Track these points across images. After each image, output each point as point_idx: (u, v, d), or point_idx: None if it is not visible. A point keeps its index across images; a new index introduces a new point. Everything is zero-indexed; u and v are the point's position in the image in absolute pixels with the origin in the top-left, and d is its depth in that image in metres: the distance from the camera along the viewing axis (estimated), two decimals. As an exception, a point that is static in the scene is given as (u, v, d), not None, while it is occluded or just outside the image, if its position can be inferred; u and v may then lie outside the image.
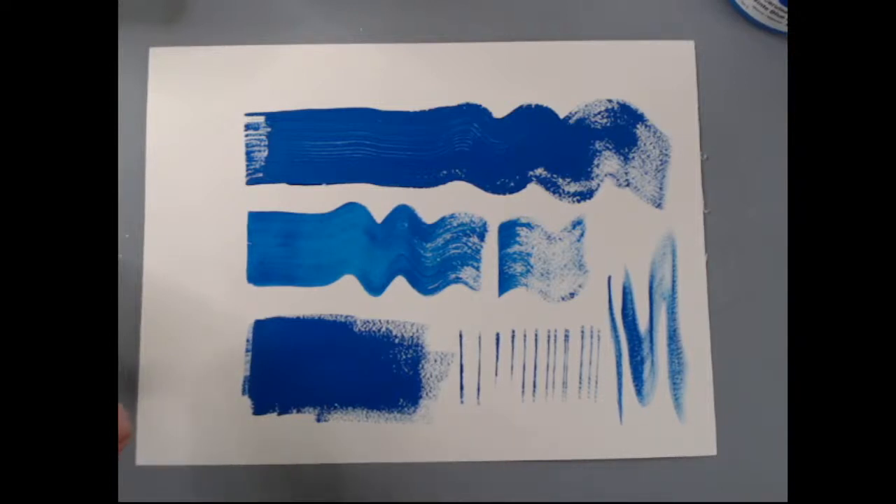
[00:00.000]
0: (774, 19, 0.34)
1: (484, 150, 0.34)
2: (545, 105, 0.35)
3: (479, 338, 0.33)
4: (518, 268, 0.34)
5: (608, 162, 0.34)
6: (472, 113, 0.35)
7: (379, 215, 0.34)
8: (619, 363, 0.33)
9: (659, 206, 0.34)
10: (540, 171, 0.34)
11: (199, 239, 0.34)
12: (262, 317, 0.33)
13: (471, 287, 0.34)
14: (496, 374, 0.33)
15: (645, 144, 0.34)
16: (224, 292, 0.33)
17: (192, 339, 0.33)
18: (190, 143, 0.34)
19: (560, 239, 0.34)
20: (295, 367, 0.33)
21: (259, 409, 0.33)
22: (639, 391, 0.33)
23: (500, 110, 0.35)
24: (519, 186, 0.34)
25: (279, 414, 0.33)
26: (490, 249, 0.34)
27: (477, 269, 0.34)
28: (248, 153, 0.34)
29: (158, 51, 0.35)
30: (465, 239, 0.34)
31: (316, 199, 0.34)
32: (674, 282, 0.34)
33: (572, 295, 0.34)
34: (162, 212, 0.34)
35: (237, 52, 0.35)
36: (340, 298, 0.33)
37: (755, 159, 0.34)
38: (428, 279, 0.34)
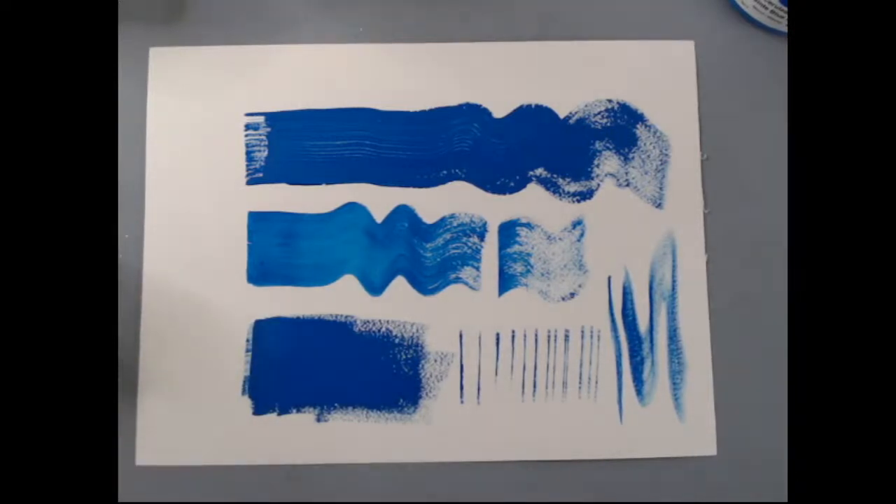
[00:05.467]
0: (774, 19, 0.34)
1: (484, 150, 0.34)
2: (545, 105, 0.35)
3: (479, 338, 0.33)
4: (518, 268, 0.34)
5: (608, 162, 0.34)
6: (472, 113, 0.35)
7: (379, 215, 0.34)
8: (619, 363, 0.33)
9: (659, 206, 0.34)
10: (540, 171, 0.34)
11: (199, 239, 0.34)
12: (262, 317, 0.33)
13: (471, 287, 0.34)
14: (496, 374, 0.33)
15: (645, 144, 0.34)
16: (224, 292, 0.33)
17: (192, 338, 0.33)
18: (190, 143, 0.34)
19: (560, 239, 0.34)
20: (295, 367, 0.33)
21: (259, 409, 0.33)
22: (639, 391, 0.33)
23: (500, 110, 0.35)
24: (519, 186, 0.34)
25: (279, 414, 0.33)
26: (490, 249, 0.34)
27: (477, 269, 0.34)
28: (248, 153, 0.34)
29: (158, 51, 0.35)
30: (465, 239, 0.34)
31: (316, 199, 0.34)
32: (674, 282, 0.34)
33: (572, 295, 0.34)
34: (162, 212, 0.34)
35: (237, 52, 0.35)
36: (340, 298, 0.33)
37: (755, 159, 0.34)
38: (428, 279, 0.34)
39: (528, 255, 0.34)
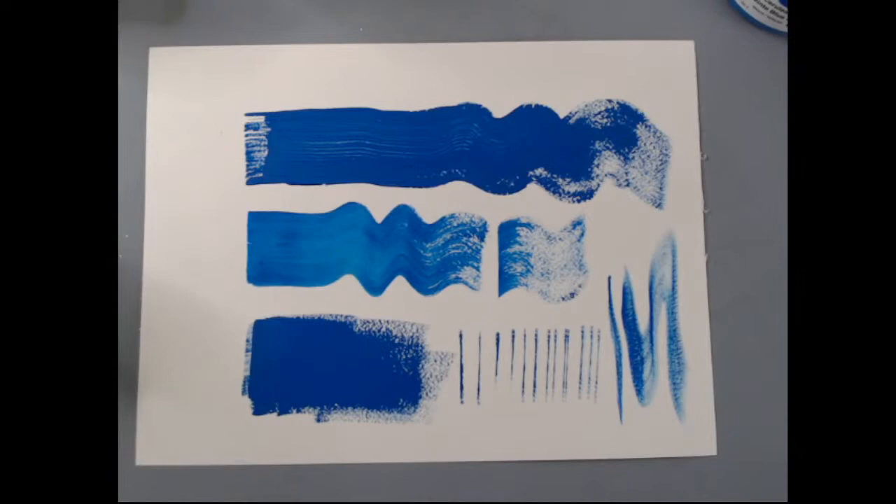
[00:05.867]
0: (774, 19, 0.34)
1: (484, 150, 0.34)
2: (545, 105, 0.35)
3: (480, 338, 0.33)
4: (518, 268, 0.34)
5: (608, 162, 0.34)
6: (472, 113, 0.35)
7: (379, 215, 0.34)
8: (619, 363, 0.33)
9: (659, 206, 0.34)
10: (540, 171, 0.34)
11: (199, 239, 0.34)
12: (262, 317, 0.33)
13: (471, 287, 0.34)
14: (496, 374, 0.33)
15: (645, 144, 0.34)
16: (224, 292, 0.33)
17: (191, 338, 0.33)
18: (190, 143, 0.34)
19: (560, 239, 0.34)
20: (295, 367, 0.33)
21: (259, 409, 0.33)
22: (639, 391, 0.33)
23: (500, 110, 0.35)
24: (519, 186, 0.34)
25: (279, 414, 0.33)
26: (490, 249, 0.34)
27: (477, 269, 0.34)
28: (248, 153, 0.34)
29: (158, 51, 0.35)
30: (465, 239, 0.34)
31: (316, 199, 0.34)
32: (674, 282, 0.34)
33: (572, 295, 0.34)
34: (162, 212, 0.34)
35: (237, 52, 0.35)
36: (340, 298, 0.33)
37: (755, 159, 0.34)
38: (428, 279, 0.34)
39: (528, 255, 0.34)
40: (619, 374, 0.33)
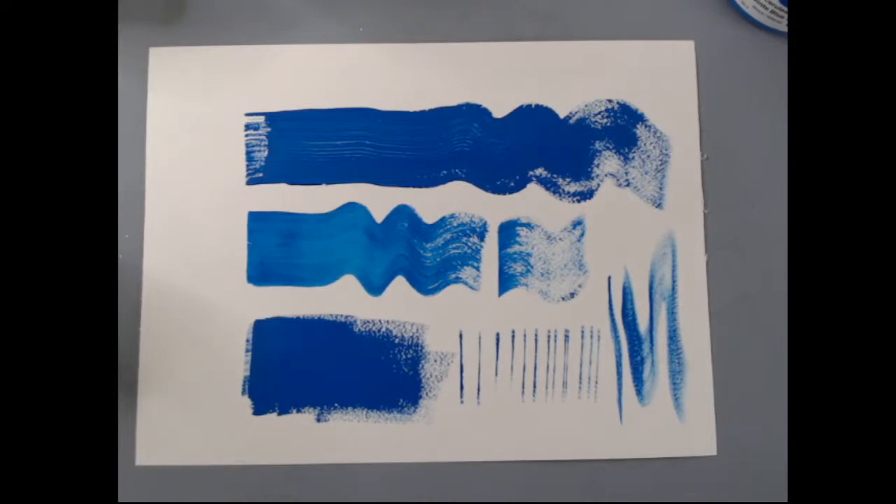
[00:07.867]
0: (774, 19, 0.34)
1: (484, 150, 0.34)
2: (545, 105, 0.35)
3: (479, 338, 0.33)
4: (518, 268, 0.34)
5: (608, 162, 0.34)
6: (472, 113, 0.35)
7: (379, 215, 0.34)
8: (619, 363, 0.33)
9: (659, 206, 0.34)
10: (540, 171, 0.34)
11: (199, 239, 0.34)
12: (262, 317, 0.33)
13: (471, 287, 0.34)
14: (496, 374, 0.33)
15: (645, 144, 0.34)
16: (224, 292, 0.33)
17: (191, 338, 0.33)
18: (190, 143, 0.34)
19: (560, 239, 0.34)
20: (295, 367, 0.33)
21: (259, 409, 0.33)
22: (639, 391, 0.33)
23: (500, 110, 0.35)
24: (519, 186, 0.34)
25: (279, 414, 0.33)
26: (490, 249, 0.34)
27: (477, 269, 0.34)
28: (248, 153, 0.34)
29: (158, 51, 0.35)
30: (465, 239, 0.34)
31: (316, 199, 0.34)
32: (674, 282, 0.34)
33: (572, 295, 0.34)
34: (162, 212, 0.34)
35: (237, 52, 0.35)
36: (340, 298, 0.33)
37: (755, 159, 0.34)
38: (428, 279, 0.34)
39: (528, 255, 0.34)
40: (619, 374, 0.33)
